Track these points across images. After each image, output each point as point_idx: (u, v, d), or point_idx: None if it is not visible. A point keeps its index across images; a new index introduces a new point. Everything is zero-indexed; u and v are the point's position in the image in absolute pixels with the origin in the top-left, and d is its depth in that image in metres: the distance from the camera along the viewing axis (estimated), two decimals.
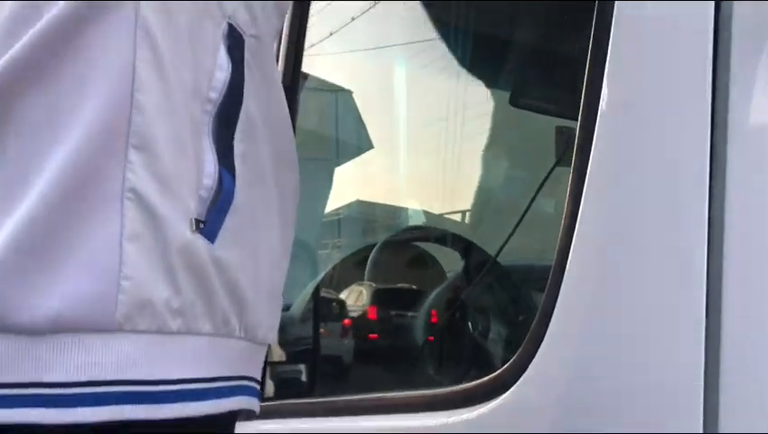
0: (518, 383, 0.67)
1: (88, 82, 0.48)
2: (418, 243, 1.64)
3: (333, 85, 2.14)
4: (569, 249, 0.65)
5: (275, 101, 0.60)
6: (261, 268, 0.56)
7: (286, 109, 0.63)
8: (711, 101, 0.58)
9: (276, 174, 0.59)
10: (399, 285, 1.57)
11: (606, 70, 0.65)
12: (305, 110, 1.26)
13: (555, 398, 0.65)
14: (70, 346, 0.45)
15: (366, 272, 1.47)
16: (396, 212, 2.08)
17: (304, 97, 1.32)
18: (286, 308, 1.53)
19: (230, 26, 0.54)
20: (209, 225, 0.50)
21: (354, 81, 2.14)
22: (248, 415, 0.57)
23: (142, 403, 0.46)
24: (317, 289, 1.57)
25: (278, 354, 1.20)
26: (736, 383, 0.54)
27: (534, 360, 0.66)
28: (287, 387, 1.19)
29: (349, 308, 1.53)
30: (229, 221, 0.52)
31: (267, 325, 0.58)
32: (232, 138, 0.53)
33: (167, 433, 0.48)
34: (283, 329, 1.44)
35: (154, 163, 0.48)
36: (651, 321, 0.60)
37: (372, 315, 1.43)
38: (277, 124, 0.60)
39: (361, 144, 2.20)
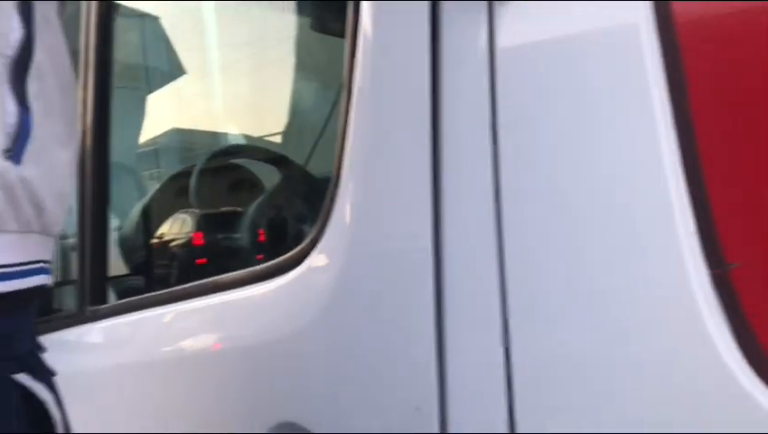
0: (308, 258, 0.91)
1: None
2: (238, 162, 1.80)
3: (140, 12, 2.15)
4: (342, 158, 0.87)
5: (57, 46, 0.75)
6: (54, 179, 0.73)
7: (66, 52, 0.78)
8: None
9: (62, 103, 0.75)
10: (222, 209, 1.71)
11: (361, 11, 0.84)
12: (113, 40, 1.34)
13: (329, 276, 0.89)
14: None
15: (190, 197, 1.62)
16: (213, 137, 2.18)
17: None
18: (119, 229, 1.67)
19: None
20: (14, 153, 0.66)
21: (162, 8, 2.18)
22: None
23: None
24: (144, 212, 1.70)
25: None
26: None
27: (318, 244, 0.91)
28: (130, 292, 1.37)
29: (175, 234, 1.68)
30: (29, 147, 0.68)
31: (58, 222, 0.76)
32: (26, 81, 0.69)
33: None
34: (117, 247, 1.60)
35: None
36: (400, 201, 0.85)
37: (198, 240, 1.59)
38: (60, 65, 0.76)
39: (173, 70, 2.27)
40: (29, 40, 0.69)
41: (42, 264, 0.74)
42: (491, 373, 0.76)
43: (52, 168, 0.73)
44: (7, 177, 0.66)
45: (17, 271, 0.69)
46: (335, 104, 1.38)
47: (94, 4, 1.28)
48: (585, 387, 0.71)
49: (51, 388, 0.72)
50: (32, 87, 0.70)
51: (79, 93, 1.26)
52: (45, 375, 0.73)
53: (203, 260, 1.58)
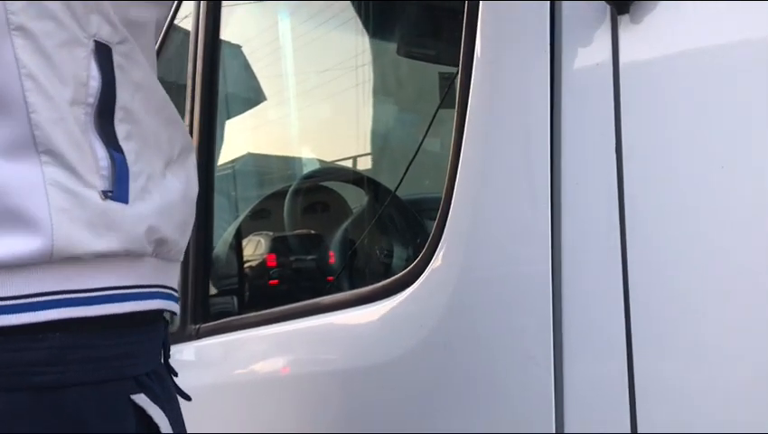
0: (418, 281, 0.90)
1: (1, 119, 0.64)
2: (326, 184, 1.82)
3: (221, 39, 2.22)
4: (455, 178, 0.86)
5: (148, 84, 0.76)
6: (173, 210, 0.75)
7: (158, 85, 0.79)
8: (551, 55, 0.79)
9: (167, 135, 0.77)
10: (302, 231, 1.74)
11: (479, 23, 0.83)
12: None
13: (445, 293, 0.89)
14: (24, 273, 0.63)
15: (285, 220, 1.64)
16: (288, 162, 2.20)
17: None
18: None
19: (97, 43, 0.70)
20: (116, 192, 0.68)
21: (241, 34, 2.26)
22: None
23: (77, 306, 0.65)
24: (240, 231, 1.73)
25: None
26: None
27: (430, 264, 0.90)
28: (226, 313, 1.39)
29: (253, 255, 1.71)
30: (133, 185, 0.70)
31: (180, 250, 0.78)
32: (113, 125, 0.70)
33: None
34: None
35: (61, 160, 0.65)
36: (517, 231, 0.84)
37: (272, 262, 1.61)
38: (153, 97, 0.77)
39: (253, 96, 2.30)
40: (109, 85, 0.70)
41: (160, 288, 0.75)
42: (612, 406, 0.73)
43: (165, 199, 0.74)
44: (113, 215, 0.68)
45: (131, 294, 0.70)
46: (428, 129, 1.39)
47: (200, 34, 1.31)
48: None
49: (172, 412, 0.73)
50: (121, 130, 0.71)
51: (186, 119, 1.29)
52: (168, 399, 0.73)
53: (303, 282, 1.59)
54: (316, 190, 1.79)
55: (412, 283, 0.90)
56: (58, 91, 0.66)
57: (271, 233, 1.69)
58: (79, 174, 0.66)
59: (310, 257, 1.56)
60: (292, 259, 1.60)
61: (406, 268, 0.92)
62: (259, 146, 2.28)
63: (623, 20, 0.74)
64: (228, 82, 2.26)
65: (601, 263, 0.74)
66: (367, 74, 1.89)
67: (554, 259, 0.76)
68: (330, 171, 1.91)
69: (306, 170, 2.09)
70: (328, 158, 2.09)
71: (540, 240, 0.77)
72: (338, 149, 2.02)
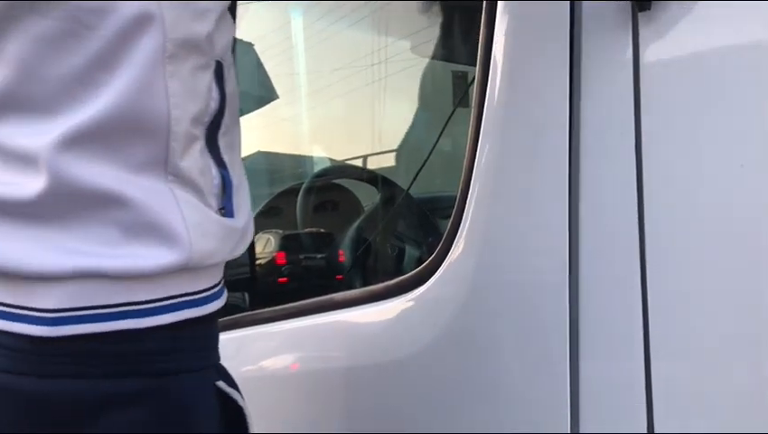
0: (432, 278, 0.90)
1: (141, 140, 0.67)
2: (338, 181, 1.82)
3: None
4: (471, 175, 0.85)
5: (234, 93, 0.78)
6: (251, 220, 0.80)
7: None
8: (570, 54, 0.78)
9: (240, 143, 0.80)
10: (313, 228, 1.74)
11: (498, 21, 0.83)
12: None
13: (460, 290, 0.88)
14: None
15: (297, 217, 1.64)
16: (299, 159, 2.21)
17: None
18: None
19: (218, 63, 0.73)
20: (227, 209, 0.74)
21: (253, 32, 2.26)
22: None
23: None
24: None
25: None
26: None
27: (445, 261, 0.89)
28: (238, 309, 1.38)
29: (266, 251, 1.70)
30: (235, 199, 0.75)
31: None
32: (217, 140, 0.74)
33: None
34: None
35: (185, 180, 0.69)
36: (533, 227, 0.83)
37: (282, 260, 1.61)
38: (236, 107, 0.79)
39: (265, 94, 2.30)
40: (222, 102, 0.73)
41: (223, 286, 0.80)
42: (628, 404, 0.72)
43: (248, 210, 0.79)
44: (227, 228, 0.74)
45: (218, 292, 0.75)
46: (443, 129, 1.38)
47: None
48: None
49: (241, 395, 0.77)
50: (223, 142, 0.75)
51: None
52: (234, 383, 0.77)
53: (315, 279, 1.59)
54: (328, 188, 1.78)
55: (426, 280, 0.90)
56: (191, 115, 0.69)
57: (281, 231, 1.69)
58: (202, 192, 0.71)
59: (321, 254, 1.56)
60: (303, 256, 1.60)
61: (420, 266, 0.91)
62: (271, 144, 2.28)
63: (644, 18, 0.74)
64: (239, 80, 2.25)
65: (619, 262, 0.73)
66: (379, 73, 1.90)
67: (571, 258, 0.76)
68: (341, 169, 1.90)
69: (317, 168, 2.09)
70: (338, 157, 2.09)
71: (557, 239, 0.77)
72: (349, 148, 2.02)
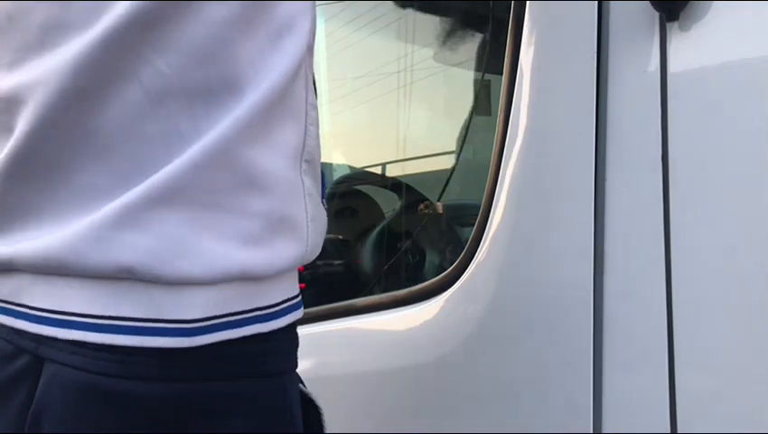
0: (456, 284, 0.90)
1: (291, 124, 0.68)
2: (361, 188, 1.82)
3: None
4: (496, 185, 0.86)
5: None
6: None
7: None
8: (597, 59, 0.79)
9: None
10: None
11: (524, 34, 0.84)
12: None
13: (484, 296, 0.89)
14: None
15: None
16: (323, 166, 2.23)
17: None
18: None
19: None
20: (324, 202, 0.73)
21: None
22: None
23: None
24: None
25: None
26: None
27: (469, 267, 0.89)
28: None
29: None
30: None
31: None
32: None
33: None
34: None
35: (313, 168, 0.69)
36: (558, 243, 0.83)
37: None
38: None
39: None
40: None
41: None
42: (651, 414, 0.72)
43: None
44: (325, 225, 0.74)
45: (299, 300, 0.74)
46: (465, 137, 1.38)
47: None
48: None
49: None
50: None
51: None
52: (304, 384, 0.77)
53: (338, 284, 1.59)
54: (349, 194, 1.79)
55: (450, 286, 0.90)
56: (312, 100, 0.70)
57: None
58: (319, 182, 0.71)
59: (342, 261, 1.56)
60: (327, 262, 1.60)
61: (444, 271, 0.92)
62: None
63: (673, 26, 0.74)
64: None
65: (644, 270, 0.73)
66: (401, 80, 1.91)
67: (596, 264, 0.76)
68: (364, 175, 1.91)
69: (338, 175, 2.09)
70: (360, 163, 2.09)
71: (582, 248, 0.77)
72: (372, 154, 2.02)
